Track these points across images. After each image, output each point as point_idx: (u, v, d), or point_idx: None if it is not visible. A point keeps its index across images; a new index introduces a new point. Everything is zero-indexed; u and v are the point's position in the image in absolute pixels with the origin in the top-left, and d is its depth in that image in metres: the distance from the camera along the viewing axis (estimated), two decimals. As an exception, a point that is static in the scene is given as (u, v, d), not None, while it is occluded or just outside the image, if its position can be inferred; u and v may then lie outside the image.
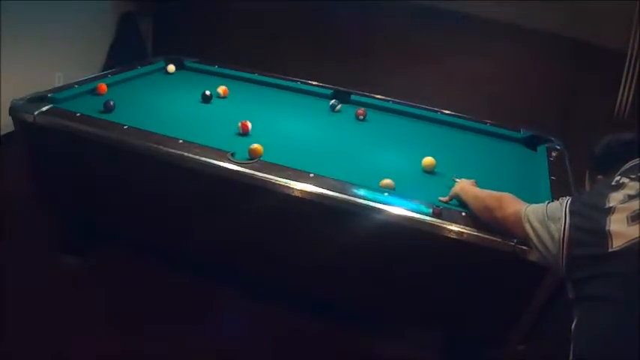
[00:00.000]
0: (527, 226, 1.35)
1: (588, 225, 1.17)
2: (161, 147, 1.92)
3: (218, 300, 2.30)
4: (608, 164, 1.40)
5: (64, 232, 2.42)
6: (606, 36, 3.42)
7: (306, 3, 4.12)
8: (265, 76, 3.02)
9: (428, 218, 1.65)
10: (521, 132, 2.58)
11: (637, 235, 1.06)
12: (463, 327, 1.82)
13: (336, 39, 4.11)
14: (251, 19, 4.31)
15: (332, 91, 2.87)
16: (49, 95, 2.23)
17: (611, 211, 1.14)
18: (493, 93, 3.73)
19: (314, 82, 2.97)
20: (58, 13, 3.75)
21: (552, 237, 1.25)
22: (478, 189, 1.71)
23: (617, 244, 1.08)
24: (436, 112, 2.75)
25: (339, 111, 2.67)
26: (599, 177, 1.43)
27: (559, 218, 1.25)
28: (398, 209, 1.69)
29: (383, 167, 2.06)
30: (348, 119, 2.60)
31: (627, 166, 1.31)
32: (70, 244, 2.43)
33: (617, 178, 1.24)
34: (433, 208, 1.67)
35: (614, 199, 1.16)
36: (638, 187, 1.16)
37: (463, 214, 1.67)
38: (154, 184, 2.02)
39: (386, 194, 1.76)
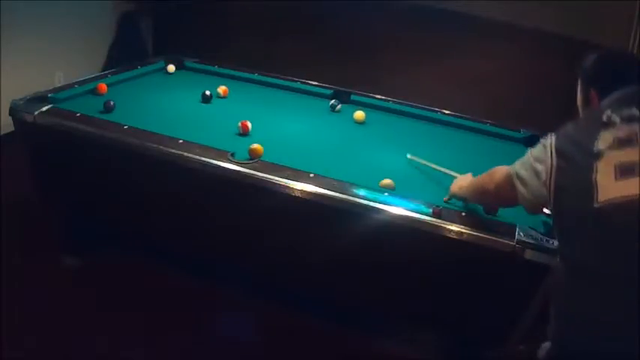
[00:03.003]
0: (517, 183, 1.29)
1: (573, 171, 1.11)
2: (161, 147, 1.92)
3: (218, 300, 2.29)
4: (601, 80, 1.30)
5: (64, 232, 2.42)
6: (606, 36, 3.42)
7: (306, 3, 4.11)
8: (265, 76, 3.02)
9: (428, 218, 1.65)
10: (521, 132, 2.58)
11: (623, 194, 1.01)
12: (463, 327, 1.82)
13: (336, 39, 4.11)
14: (251, 19, 4.31)
15: (332, 91, 2.87)
16: (49, 95, 2.23)
17: (598, 155, 1.07)
18: (493, 93, 3.72)
19: (314, 82, 2.97)
20: (57, 13, 3.75)
21: (539, 178, 1.20)
22: (471, 178, 1.69)
23: (602, 198, 1.03)
24: (436, 112, 2.75)
25: (339, 111, 2.67)
26: (593, 92, 1.32)
27: (544, 160, 1.19)
28: (398, 209, 1.69)
29: (383, 167, 2.06)
30: (348, 119, 2.60)
31: (620, 95, 1.19)
32: (70, 244, 2.42)
33: (608, 112, 1.14)
34: (433, 208, 1.67)
35: (604, 140, 1.09)
36: (627, 132, 1.08)
37: (463, 214, 1.67)
38: (153, 184, 2.02)
39: (386, 194, 1.76)
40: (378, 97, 2.86)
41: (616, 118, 1.12)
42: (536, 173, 1.22)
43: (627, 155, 1.05)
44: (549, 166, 1.17)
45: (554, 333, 1.12)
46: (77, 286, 2.31)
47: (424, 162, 2.10)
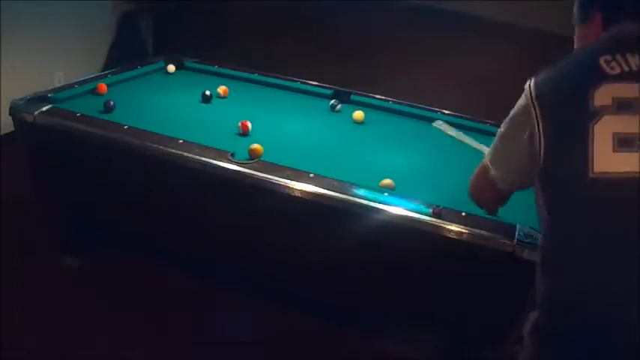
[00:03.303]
0: (489, 166, 1.20)
1: (562, 130, 0.98)
2: (161, 147, 1.92)
3: (218, 300, 2.30)
4: (608, 2, 1.09)
5: (64, 232, 2.42)
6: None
7: (306, 3, 4.11)
8: (265, 76, 3.02)
9: (428, 218, 1.65)
10: (521, 132, 2.57)
11: (621, 170, 0.91)
12: (463, 327, 1.82)
13: (336, 39, 4.11)
14: (251, 19, 4.31)
15: (332, 91, 2.87)
16: (49, 95, 2.23)
17: (594, 116, 0.94)
18: (493, 93, 3.71)
19: (314, 82, 2.97)
20: (57, 13, 3.76)
21: (510, 141, 1.10)
22: None
23: (597, 169, 0.92)
24: (436, 112, 2.75)
25: (339, 111, 2.67)
26: (597, 15, 1.11)
27: (521, 115, 1.05)
28: (398, 209, 1.69)
29: (383, 167, 2.06)
30: (348, 119, 2.60)
31: (623, 33, 1.01)
32: (69, 244, 2.42)
33: (608, 57, 0.97)
34: (433, 208, 1.67)
35: (601, 96, 0.95)
36: (627, 91, 0.94)
37: (463, 214, 1.67)
38: (153, 184, 2.02)
39: (386, 194, 1.76)
40: (378, 97, 2.86)
41: (616, 66, 0.96)
42: (504, 135, 1.13)
43: (626, 124, 0.93)
44: (530, 117, 1.02)
45: (542, 300, 1.06)
46: (77, 286, 2.32)
47: (451, 132, 2.01)
